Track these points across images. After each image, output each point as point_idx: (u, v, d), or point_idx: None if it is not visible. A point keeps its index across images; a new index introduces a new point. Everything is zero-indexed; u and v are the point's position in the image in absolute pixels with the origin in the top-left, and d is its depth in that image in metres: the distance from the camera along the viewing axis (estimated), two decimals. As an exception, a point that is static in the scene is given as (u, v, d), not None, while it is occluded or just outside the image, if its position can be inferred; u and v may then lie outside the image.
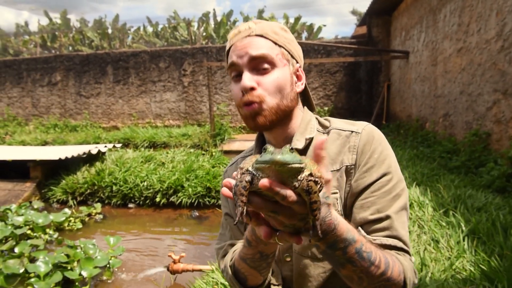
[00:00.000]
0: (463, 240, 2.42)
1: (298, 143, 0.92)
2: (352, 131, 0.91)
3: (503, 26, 4.17)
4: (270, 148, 0.55)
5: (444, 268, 2.13)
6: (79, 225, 4.04)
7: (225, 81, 10.89)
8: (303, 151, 0.92)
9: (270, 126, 0.89)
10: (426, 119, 6.94)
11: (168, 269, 2.69)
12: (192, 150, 6.86)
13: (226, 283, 2.15)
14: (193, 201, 4.39)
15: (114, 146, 6.46)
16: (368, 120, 0.96)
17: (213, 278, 2.30)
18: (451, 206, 2.97)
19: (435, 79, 6.42)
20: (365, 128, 0.92)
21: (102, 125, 11.57)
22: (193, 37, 18.09)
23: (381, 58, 8.99)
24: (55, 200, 4.85)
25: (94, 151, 5.55)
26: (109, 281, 2.86)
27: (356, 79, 10.24)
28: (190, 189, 4.44)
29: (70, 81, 11.64)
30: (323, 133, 0.96)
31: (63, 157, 4.92)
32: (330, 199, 0.64)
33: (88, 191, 4.85)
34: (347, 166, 0.88)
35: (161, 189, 4.55)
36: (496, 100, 4.33)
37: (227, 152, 7.12)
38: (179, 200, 4.48)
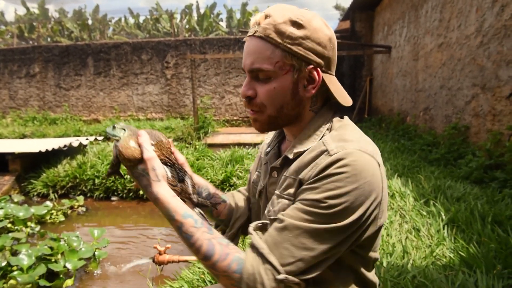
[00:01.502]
0: (443, 229, 2.50)
1: (290, 152, 0.87)
2: (325, 151, 0.78)
3: (482, 22, 4.28)
4: (116, 125, 0.89)
5: (425, 255, 2.19)
6: (62, 218, 3.98)
7: (209, 74, 10.83)
8: (294, 160, 0.86)
9: (268, 131, 0.92)
10: (407, 113, 7.09)
11: (153, 261, 2.68)
12: (175, 143, 6.81)
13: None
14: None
15: (95, 139, 6.36)
16: (350, 115, 0.92)
17: (199, 268, 2.31)
18: (431, 196, 3.06)
19: (416, 74, 6.56)
20: (342, 155, 0.75)
21: (83, 118, 11.35)
22: (175, 29, 17.85)
23: (363, 52, 9.11)
24: (35, 193, 4.75)
25: (75, 144, 5.46)
26: (95, 273, 2.83)
27: (339, 73, 10.34)
28: (174, 182, 4.42)
29: (49, 73, 11.34)
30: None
31: (43, 150, 4.82)
32: (155, 174, 0.83)
33: (70, 184, 4.76)
34: (300, 179, 0.80)
35: (145, 182, 4.51)
36: (474, 94, 4.46)
37: (211, 145, 7.09)
38: (164, 193, 4.45)
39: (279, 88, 0.83)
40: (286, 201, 0.82)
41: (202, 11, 20.21)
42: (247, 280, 0.74)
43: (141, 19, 22.19)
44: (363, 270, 0.87)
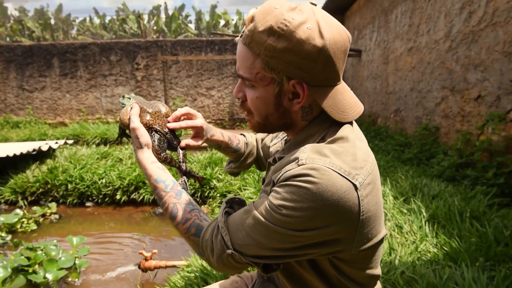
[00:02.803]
0: (425, 225, 2.59)
1: (278, 155, 0.89)
2: (297, 159, 0.75)
3: (451, 28, 4.49)
4: (126, 94, 1.08)
5: (410, 252, 2.27)
6: (34, 226, 3.77)
7: (180, 76, 10.68)
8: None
9: (261, 133, 0.94)
10: (378, 115, 7.31)
11: (139, 267, 2.61)
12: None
13: (205, 275, 2.13)
14: (155, 197, 4.26)
15: (65, 143, 6.10)
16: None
17: (189, 273, 2.27)
18: (410, 194, 3.17)
19: (387, 77, 6.78)
20: (307, 168, 0.71)
21: (48, 121, 10.87)
22: (143, 31, 17.51)
23: (335, 55, 9.28)
24: (2, 200, 4.48)
25: (44, 148, 5.21)
26: (76, 283, 2.71)
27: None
28: (152, 186, 4.31)
29: (11, 74, 10.78)
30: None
31: (11, 155, 4.56)
32: (139, 142, 0.97)
33: (41, 190, 4.53)
34: (273, 180, 0.79)
35: (121, 186, 4.36)
36: (444, 96, 4.67)
37: (183, 148, 6.98)
38: (141, 197, 4.33)
39: (262, 99, 0.81)
40: (264, 195, 0.82)
41: (170, 12, 19.97)
42: (202, 244, 0.84)
43: (106, 20, 21.60)
44: (355, 285, 0.85)
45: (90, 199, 4.46)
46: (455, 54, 4.39)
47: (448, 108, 4.57)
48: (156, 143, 1.02)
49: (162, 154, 1.03)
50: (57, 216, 4.11)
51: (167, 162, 1.05)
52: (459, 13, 4.32)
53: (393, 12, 6.47)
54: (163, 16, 20.68)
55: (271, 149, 1.12)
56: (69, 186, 4.46)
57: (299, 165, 0.72)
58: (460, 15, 4.31)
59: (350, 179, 0.71)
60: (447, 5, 4.59)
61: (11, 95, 10.93)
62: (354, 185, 0.71)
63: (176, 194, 0.91)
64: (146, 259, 2.59)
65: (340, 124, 0.81)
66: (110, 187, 4.38)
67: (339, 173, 0.70)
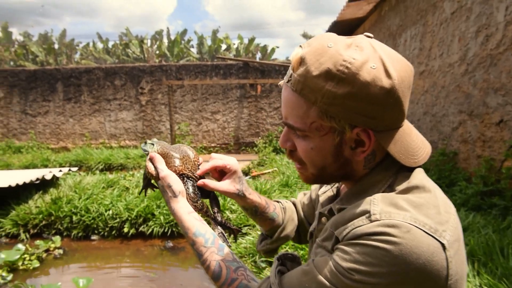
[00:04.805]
0: (464, 264, 2.39)
1: (335, 205, 0.75)
2: (367, 212, 0.63)
3: (466, 51, 4.40)
4: (148, 140, 0.97)
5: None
6: (36, 264, 3.52)
7: (185, 100, 10.62)
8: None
9: (314, 184, 0.85)
10: (389, 138, 7.17)
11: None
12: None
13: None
14: (165, 230, 4.04)
15: (69, 170, 5.92)
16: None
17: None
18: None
19: (397, 100, 6.67)
20: (384, 225, 0.59)
21: (51, 146, 10.73)
22: (146, 55, 17.66)
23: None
24: (3, 234, 4.26)
25: (48, 176, 5.03)
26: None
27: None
28: (161, 217, 4.09)
29: (15, 98, 10.72)
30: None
31: (13, 184, 4.38)
32: (172, 190, 0.86)
33: (44, 222, 4.31)
34: (336, 236, 0.67)
35: (129, 218, 4.15)
36: (461, 120, 4.53)
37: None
38: (150, 230, 4.11)
39: (318, 150, 0.70)
40: (323, 252, 0.72)
41: (172, 37, 20.19)
42: None
43: (110, 44, 21.82)
44: None
45: (96, 231, 4.24)
46: (472, 77, 4.28)
47: (467, 133, 4.42)
48: (190, 190, 0.92)
49: (198, 202, 0.93)
50: (61, 251, 3.89)
51: (203, 211, 0.95)
52: (475, 36, 4.23)
53: (401, 35, 6.42)
54: (165, 40, 20.91)
55: (321, 198, 0.95)
56: (74, 218, 4.25)
57: (372, 221, 0.61)
58: (475, 39, 4.22)
59: (437, 237, 0.59)
60: (461, 29, 4.51)
61: (14, 120, 10.83)
62: (442, 245, 0.59)
63: (218, 250, 0.82)
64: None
65: (409, 169, 0.70)
66: (117, 219, 4.18)
67: (424, 231, 0.59)
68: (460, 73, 4.54)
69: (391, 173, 0.70)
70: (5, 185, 4.33)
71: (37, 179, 4.83)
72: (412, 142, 0.70)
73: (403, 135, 0.69)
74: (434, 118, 5.27)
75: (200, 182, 0.95)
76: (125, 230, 4.14)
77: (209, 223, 0.93)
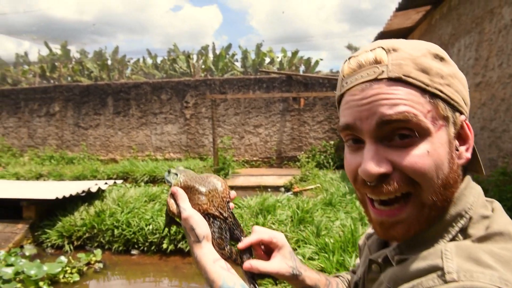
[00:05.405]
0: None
1: (392, 254, 0.57)
2: (440, 269, 0.46)
3: (531, 61, 3.98)
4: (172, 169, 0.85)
5: None
6: (76, 278, 3.58)
7: (228, 114, 10.69)
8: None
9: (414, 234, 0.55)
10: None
11: None
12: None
13: None
14: None
15: (114, 183, 6.08)
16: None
17: None
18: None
19: (450, 114, 6.23)
20: None
21: (100, 158, 11.22)
22: (192, 70, 18.11)
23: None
24: (49, 244, 4.41)
25: (94, 189, 5.18)
26: None
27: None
28: (200, 233, 4.04)
29: (69, 112, 11.40)
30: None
31: (60, 197, 4.55)
32: (195, 234, 0.73)
33: (87, 234, 4.42)
34: None
35: (168, 234, 4.14)
36: (526, 137, 4.09)
37: (231, 188, 6.73)
38: (188, 247, 4.06)
39: (435, 153, 0.51)
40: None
41: (217, 52, 20.60)
42: None
43: (158, 60, 22.72)
44: None
45: (136, 246, 4.26)
46: (539, 90, 3.86)
47: (533, 151, 3.97)
48: (216, 234, 0.77)
49: (226, 249, 0.78)
50: (101, 265, 3.93)
51: (232, 259, 0.78)
52: (542, 45, 3.82)
53: (454, 45, 6.01)
54: (211, 55, 21.40)
55: (368, 241, 0.76)
56: (116, 231, 4.31)
57: (447, 282, 0.44)
58: (543, 47, 3.81)
59: None
60: (525, 37, 4.11)
61: (68, 132, 11.48)
62: None
63: None
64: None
65: (484, 204, 0.56)
66: (157, 235, 4.17)
67: None
68: (524, 85, 4.12)
69: (468, 205, 0.54)
70: (53, 197, 4.50)
71: (83, 191, 4.99)
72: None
73: None
74: (493, 134, 4.82)
75: (247, 265, 0.77)
76: (164, 246, 4.12)
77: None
